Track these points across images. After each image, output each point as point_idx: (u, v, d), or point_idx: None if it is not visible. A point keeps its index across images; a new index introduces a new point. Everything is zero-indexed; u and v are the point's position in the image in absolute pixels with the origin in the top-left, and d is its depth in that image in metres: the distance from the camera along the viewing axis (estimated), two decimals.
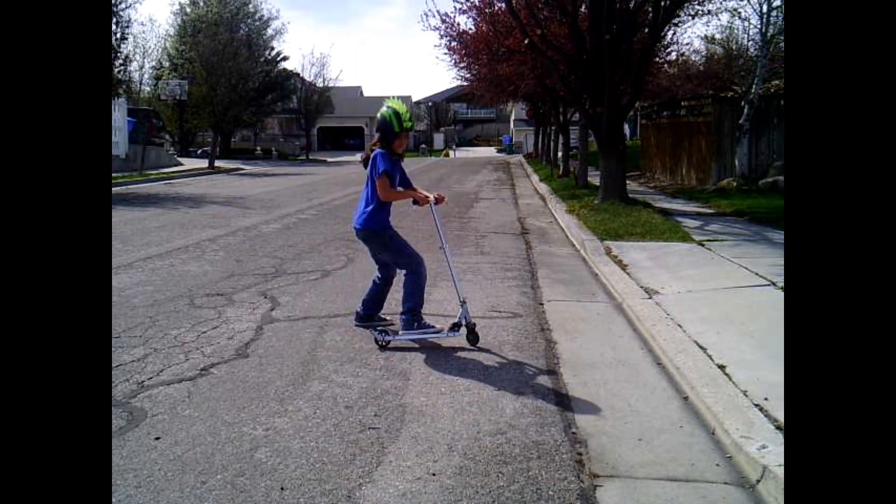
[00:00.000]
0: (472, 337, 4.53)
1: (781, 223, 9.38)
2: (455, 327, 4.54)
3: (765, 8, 14.96)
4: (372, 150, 4.46)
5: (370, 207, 4.45)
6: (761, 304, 5.37)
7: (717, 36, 20.99)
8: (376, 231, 4.51)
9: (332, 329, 4.91)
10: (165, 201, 14.49)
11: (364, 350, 4.45)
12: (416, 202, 4.59)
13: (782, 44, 15.28)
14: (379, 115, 4.42)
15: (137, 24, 41.06)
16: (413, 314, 4.55)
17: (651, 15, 13.32)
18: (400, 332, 4.56)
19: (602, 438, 3.18)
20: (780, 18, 15.03)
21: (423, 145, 58.93)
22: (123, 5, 17.90)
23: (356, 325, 4.70)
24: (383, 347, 4.44)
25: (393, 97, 4.55)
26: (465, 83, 26.86)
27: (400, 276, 4.63)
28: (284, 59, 42.02)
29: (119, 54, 18.31)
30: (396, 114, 4.38)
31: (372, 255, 4.70)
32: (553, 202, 14.20)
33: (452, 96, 62.96)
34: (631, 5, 12.68)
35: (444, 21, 18.57)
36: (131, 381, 3.84)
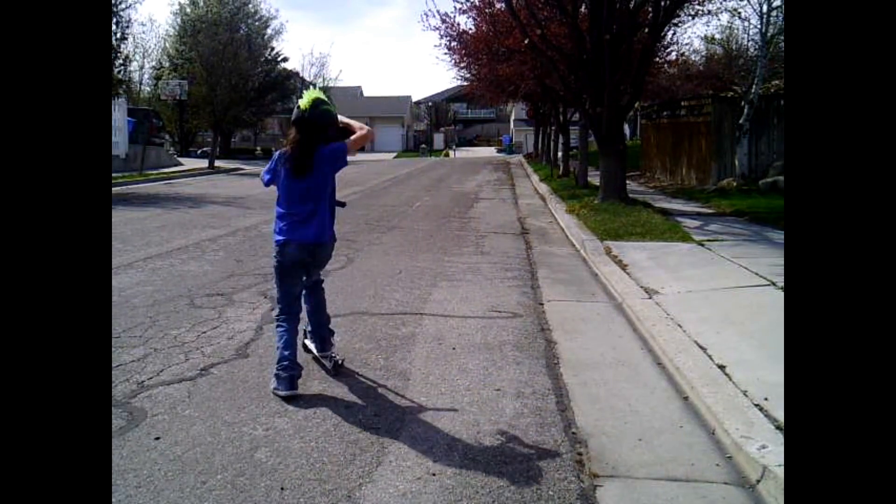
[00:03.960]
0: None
1: (781, 223, 9.38)
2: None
3: (765, 8, 14.98)
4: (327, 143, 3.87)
5: (327, 214, 3.86)
6: (761, 304, 5.37)
7: (717, 36, 21.03)
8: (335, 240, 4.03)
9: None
10: (165, 201, 14.47)
11: (364, 350, 4.45)
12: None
13: (782, 44, 15.29)
14: (325, 107, 3.89)
15: (137, 24, 41.17)
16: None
17: (651, 15, 13.32)
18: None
19: (602, 438, 3.18)
20: (780, 18, 15.05)
21: (424, 145, 58.84)
22: (123, 5, 17.87)
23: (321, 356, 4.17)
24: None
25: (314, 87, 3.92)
26: (465, 83, 26.86)
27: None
28: (284, 59, 41.92)
29: (119, 54, 18.28)
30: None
31: (307, 275, 4.01)
32: (553, 202, 14.20)
33: (452, 96, 62.91)
34: (631, 5, 12.69)
35: (444, 21, 18.55)
36: (131, 381, 3.83)
